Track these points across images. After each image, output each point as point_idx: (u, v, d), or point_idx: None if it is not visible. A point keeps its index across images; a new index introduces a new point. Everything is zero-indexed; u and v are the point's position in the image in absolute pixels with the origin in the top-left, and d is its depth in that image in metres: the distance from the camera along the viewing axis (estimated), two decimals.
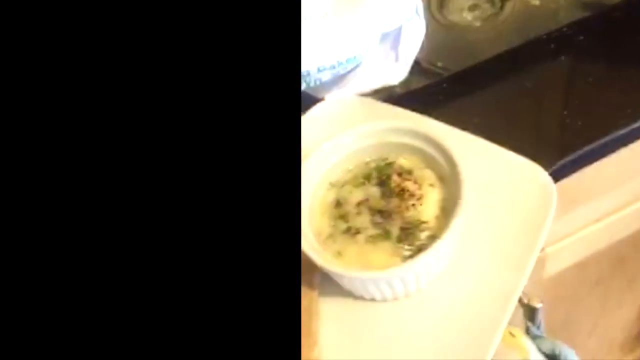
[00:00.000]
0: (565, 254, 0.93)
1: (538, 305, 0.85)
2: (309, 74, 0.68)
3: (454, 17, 0.94)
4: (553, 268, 0.94)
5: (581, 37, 0.76)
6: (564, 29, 0.76)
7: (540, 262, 0.87)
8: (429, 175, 0.60)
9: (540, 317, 0.86)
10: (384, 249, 0.55)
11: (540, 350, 0.85)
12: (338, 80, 0.73)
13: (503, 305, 0.54)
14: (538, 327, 0.87)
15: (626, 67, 0.74)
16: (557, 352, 0.85)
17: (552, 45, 0.76)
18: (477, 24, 0.93)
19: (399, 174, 0.60)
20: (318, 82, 0.70)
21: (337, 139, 0.62)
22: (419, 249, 0.55)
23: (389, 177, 0.60)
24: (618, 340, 1.36)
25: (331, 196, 0.60)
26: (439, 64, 0.85)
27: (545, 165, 0.63)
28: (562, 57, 0.75)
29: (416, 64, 0.76)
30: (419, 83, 0.77)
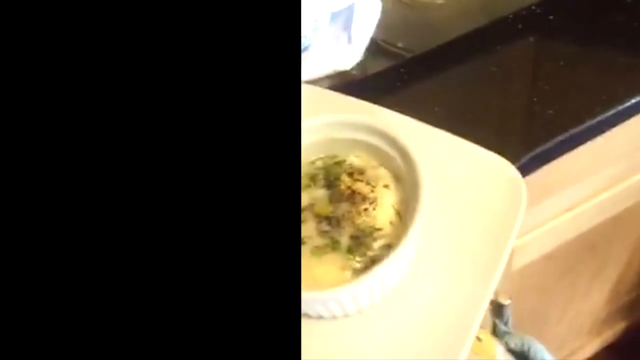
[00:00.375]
0: (534, 246, 0.88)
1: (506, 302, 0.80)
2: None
3: None
4: (521, 260, 0.89)
5: (551, 17, 0.70)
6: (533, 8, 0.70)
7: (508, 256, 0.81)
8: (383, 174, 0.53)
9: (509, 312, 0.82)
10: (332, 261, 0.49)
11: (508, 347, 0.81)
12: None
13: (471, 315, 0.48)
14: (506, 324, 0.83)
15: (600, 49, 0.68)
16: (526, 347, 0.81)
17: (520, 26, 0.70)
18: (440, 1, 0.87)
19: (350, 174, 0.53)
20: None
21: None
22: (373, 261, 0.48)
23: (337, 177, 0.53)
24: (586, 324, 1.33)
25: None
26: (399, 44, 0.79)
27: (513, 158, 0.57)
28: (531, 39, 0.69)
29: (373, 44, 0.70)
30: (376, 67, 0.71)
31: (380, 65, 0.71)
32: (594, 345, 1.41)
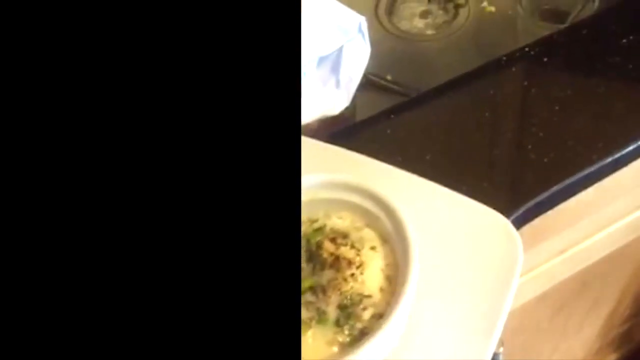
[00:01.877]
0: (527, 288, 0.85)
1: (499, 350, 0.78)
2: None
3: (404, 24, 0.87)
4: (514, 302, 0.86)
5: (545, 59, 0.67)
6: (526, 49, 0.68)
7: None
8: (369, 236, 0.50)
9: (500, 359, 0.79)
10: (320, 336, 0.45)
11: None
12: None
13: None
14: None
15: (595, 92, 0.66)
16: None
17: (513, 68, 0.67)
18: (429, 32, 0.85)
19: (332, 240, 0.49)
20: None
21: None
22: (362, 333, 0.45)
23: (319, 246, 0.49)
24: (579, 358, 1.31)
25: None
26: (388, 77, 0.76)
27: (507, 209, 0.55)
28: (525, 82, 0.66)
29: (363, 77, 0.67)
30: (365, 109, 0.68)
31: (368, 104, 0.69)
32: None
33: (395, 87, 0.76)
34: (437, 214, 0.53)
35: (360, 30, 0.63)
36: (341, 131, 0.63)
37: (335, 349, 0.45)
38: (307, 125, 0.63)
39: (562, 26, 0.75)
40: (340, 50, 0.63)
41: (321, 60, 0.63)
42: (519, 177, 0.60)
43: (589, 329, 1.19)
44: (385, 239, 0.50)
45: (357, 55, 0.64)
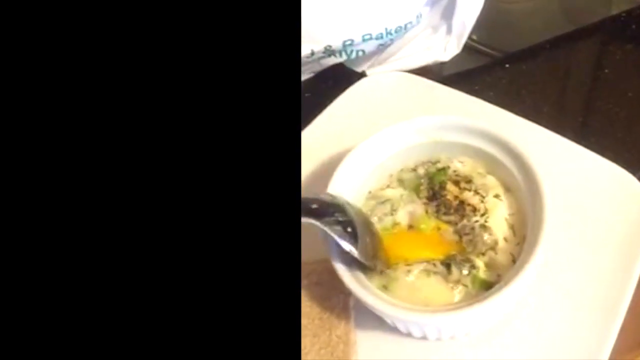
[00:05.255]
0: None
1: None
2: (351, 44, 0.56)
3: None
4: None
5: None
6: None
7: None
8: (492, 183, 0.47)
9: None
10: (442, 280, 0.43)
11: None
12: (381, 53, 0.61)
13: (595, 351, 0.43)
14: None
15: None
16: None
17: (634, 26, 0.64)
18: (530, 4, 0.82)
19: (456, 183, 0.47)
20: (360, 54, 0.58)
21: (379, 137, 0.48)
22: (484, 282, 0.43)
23: (443, 187, 0.47)
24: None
25: (369, 213, 0.47)
26: (474, 37, 0.73)
27: (632, 168, 0.51)
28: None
29: None
30: (472, 61, 0.65)
31: (472, 61, 0.66)
32: None
33: (490, 50, 0.72)
34: (562, 168, 0.50)
35: None
36: (449, 77, 0.60)
37: (458, 294, 0.43)
38: (414, 70, 0.61)
39: None
40: None
41: (433, 6, 0.60)
42: None
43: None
44: (508, 188, 0.47)
45: (470, 3, 0.61)
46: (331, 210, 0.42)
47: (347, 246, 0.41)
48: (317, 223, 0.41)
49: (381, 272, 0.44)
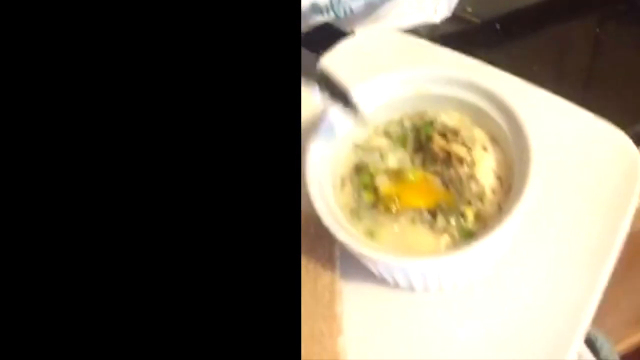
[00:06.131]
0: None
1: None
2: (339, 2, 0.56)
3: None
4: None
5: None
6: None
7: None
8: (480, 136, 0.47)
9: None
10: (428, 229, 0.43)
11: None
12: (371, 12, 0.60)
13: (578, 311, 0.43)
14: None
15: None
16: (593, 338, 0.78)
17: None
18: None
19: (443, 135, 0.47)
20: (348, 12, 0.57)
21: (365, 88, 0.48)
22: (469, 232, 0.43)
23: (429, 138, 0.47)
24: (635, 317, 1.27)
25: (356, 162, 0.47)
26: (468, 9, 0.72)
27: (622, 127, 0.51)
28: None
29: None
30: (461, 26, 0.65)
31: (464, 24, 0.65)
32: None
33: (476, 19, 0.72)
34: (550, 123, 0.50)
35: None
36: (442, 38, 0.59)
37: (444, 243, 0.43)
38: (406, 30, 0.60)
39: None
40: None
41: None
42: (635, 96, 0.57)
43: None
44: (495, 140, 0.47)
45: None
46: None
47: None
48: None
49: None
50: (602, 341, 0.78)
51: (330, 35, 0.58)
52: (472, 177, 0.45)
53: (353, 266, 0.44)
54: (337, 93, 0.43)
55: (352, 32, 0.59)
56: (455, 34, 0.61)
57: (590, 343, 0.77)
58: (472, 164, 0.45)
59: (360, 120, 0.44)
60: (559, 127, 0.51)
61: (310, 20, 0.58)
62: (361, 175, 0.46)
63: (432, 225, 0.43)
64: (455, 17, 0.64)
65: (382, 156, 0.47)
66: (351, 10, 0.57)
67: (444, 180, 0.45)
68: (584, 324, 0.42)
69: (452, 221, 0.43)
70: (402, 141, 0.48)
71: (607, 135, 0.50)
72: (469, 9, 0.72)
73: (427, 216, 0.43)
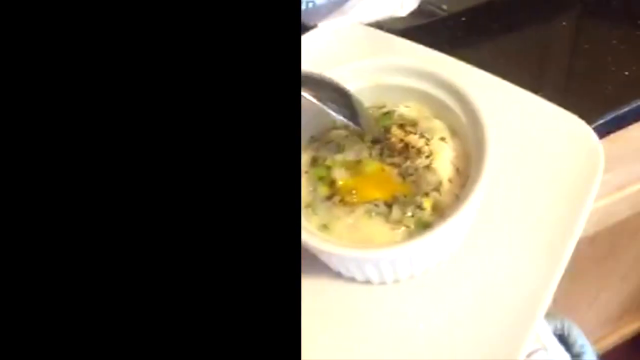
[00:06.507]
0: None
1: None
2: None
3: None
4: None
5: None
6: None
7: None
8: (438, 127, 0.47)
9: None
10: (384, 221, 0.43)
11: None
12: (334, 6, 0.60)
13: (536, 297, 0.42)
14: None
15: None
16: (566, 332, 0.78)
17: None
18: None
19: (401, 126, 0.47)
20: (311, 5, 0.57)
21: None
22: (425, 223, 0.43)
23: (387, 130, 0.46)
24: (614, 314, 1.28)
25: (312, 154, 0.47)
26: (443, 7, 0.72)
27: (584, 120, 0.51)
28: None
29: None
30: (427, 19, 0.64)
31: (429, 16, 0.65)
32: (615, 337, 1.36)
33: (441, 12, 0.71)
34: (511, 114, 0.50)
35: None
36: (407, 31, 0.59)
37: (400, 234, 0.42)
38: (371, 24, 0.60)
39: None
40: None
41: None
42: (597, 89, 0.56)
43: (630, 282, 1.16)
44: (454, 131, 0.47)
45: None
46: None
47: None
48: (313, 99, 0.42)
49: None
50: (575, 335, 0.78)
51: None
52: (429, 168, 0.45)
53: (309, 261, 0.43)
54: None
55: (315, 26, 0.59)
56: (421, 27, 0.60)
57: (563, 338, 0.77)
58: (430, 155, 0.45)
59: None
60: (520, 118, 0.50)
61: None
62: (317, 167, 0.46)
63: (387, 217, 0.43)
64: (421, 11, 0.64)
65: (339, 148, 0.46)
66: (313, 3, 0.57)
67: (402, 171, 0.45)
68: (542, 309, 0.42)
69: (409, 212, 0.43)
70: (359, 133, 0.47)
71: (568, 124, 0.50)
72: (444, 7, 0.72)
73: (384, 208, 0.43)
